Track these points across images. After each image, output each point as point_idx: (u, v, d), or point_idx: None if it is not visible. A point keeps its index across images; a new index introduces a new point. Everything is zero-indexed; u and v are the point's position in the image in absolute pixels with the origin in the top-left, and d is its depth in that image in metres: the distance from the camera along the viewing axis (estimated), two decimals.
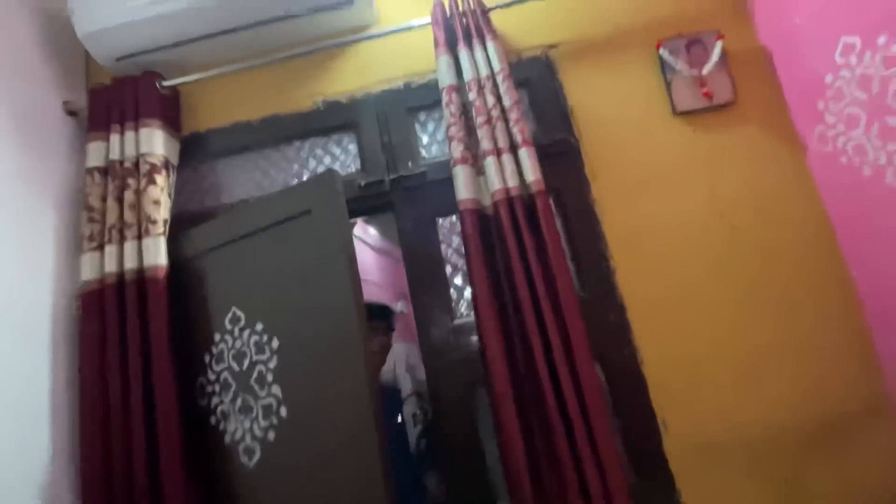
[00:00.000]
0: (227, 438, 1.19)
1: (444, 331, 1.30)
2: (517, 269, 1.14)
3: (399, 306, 3.29)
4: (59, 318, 1.23)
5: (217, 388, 1.22)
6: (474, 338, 1.26)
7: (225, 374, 1.21)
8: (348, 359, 1.04)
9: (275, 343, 1.16)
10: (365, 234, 4.18)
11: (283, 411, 1.12)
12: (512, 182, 1.19)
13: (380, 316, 1.79)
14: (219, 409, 1.21)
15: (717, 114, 1.36)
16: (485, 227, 1.21)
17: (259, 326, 1.19)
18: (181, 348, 1.24)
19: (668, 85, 1.37)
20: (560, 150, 1.34)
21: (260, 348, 1.18)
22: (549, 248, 1.15)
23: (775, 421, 1.20)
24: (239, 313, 1.22)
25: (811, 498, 1.15)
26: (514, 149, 1.21)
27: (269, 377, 1.15)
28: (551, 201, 1.27)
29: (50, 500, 1.09)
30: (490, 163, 1.20)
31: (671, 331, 1.26)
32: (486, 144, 1.21)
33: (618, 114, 1.38)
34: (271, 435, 1.13)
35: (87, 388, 1.17)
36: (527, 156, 1.20)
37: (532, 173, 1.19)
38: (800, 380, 1.21)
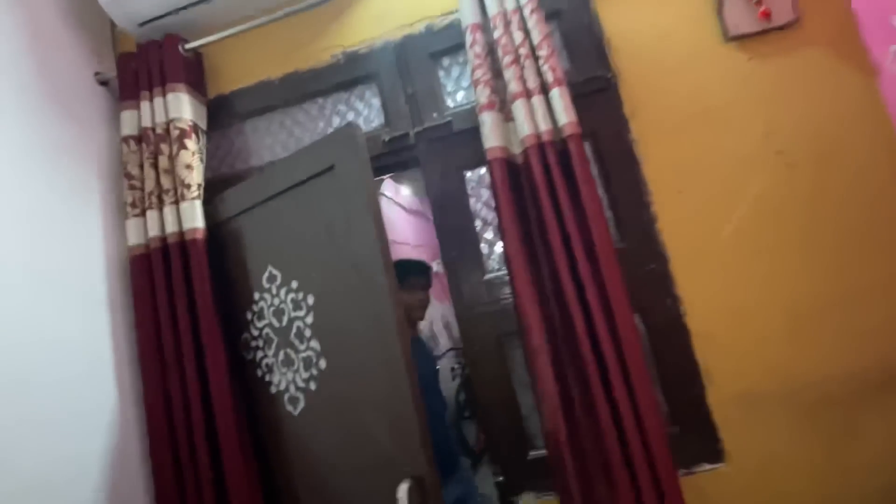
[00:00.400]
0: (273, 389, 1.25)
1: (476, 286, 1.28)
2: (550, 220, 1.09)
3: (435, 266, 3.32)
4: (114, 280, 1.31)
5: (261, 342, 1.28)
6: (507, 290, 1.24)
7: (267, 330, 1.26)
8: (378, 311, 1.04)
9: (310, 299, 1.19)
10: (397, 196, 4.17)
11: (323, 363, 1.16)
12: (543, 126, 1.12)
13: (417, 273, 1.80)
14: (264, 362, 1.27)
15: (775, 36, 1.20)
16: (514, 177, 1.15)
17: (294, 284, 1.22)
18: (226, 306, 1.30)
19: (719, 6, 1.22)
20: (596, 88, 1.24)
21: (297, 305, 1.21)
22: (583, 196, 1.09)
23: (828, 371, 1.12)
24: (275, 272, 1.25)
25: (863, 451, 1.09)
26: (544, 89, 1.13)
27: (308, 332, 1.19)
28: (586, 144, 1.19)
29: (119, 438, 1.20)
30: (519, 106, 1.13)
31: (718, 280, 1.18)
32: (514, 86, 1.14)
33: (661, 43, 1.25)
34: (313, 385, 1.18)
35: (144, 343, 1.25)
36: (559, 96, 1.11)
37: (565, 115, 1.11)
38: (858, 328, 1.12)
